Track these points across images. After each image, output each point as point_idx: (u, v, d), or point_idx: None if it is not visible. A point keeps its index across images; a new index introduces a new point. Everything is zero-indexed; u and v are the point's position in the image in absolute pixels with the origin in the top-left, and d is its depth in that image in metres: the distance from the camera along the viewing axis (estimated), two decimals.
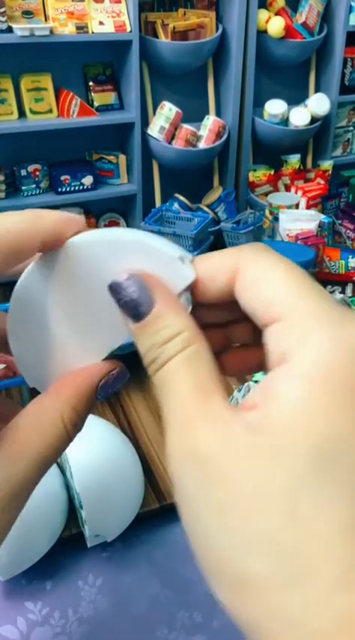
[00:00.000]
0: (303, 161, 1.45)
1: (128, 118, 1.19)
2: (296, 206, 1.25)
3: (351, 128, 1.51)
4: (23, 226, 0.22)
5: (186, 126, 1.22)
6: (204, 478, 0.18)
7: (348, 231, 1.26)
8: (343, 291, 0.96)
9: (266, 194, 1.35)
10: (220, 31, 1.21)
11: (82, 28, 1.09)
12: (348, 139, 1.52)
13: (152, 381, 0.22)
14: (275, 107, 1.30)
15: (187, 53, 1.18)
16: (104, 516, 0.58)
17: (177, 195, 1.29)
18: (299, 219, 1.15)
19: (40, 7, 1.08)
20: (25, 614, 0.55)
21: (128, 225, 1.35)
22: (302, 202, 1.28)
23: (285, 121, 1.33)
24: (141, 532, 0.64)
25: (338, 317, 0.19)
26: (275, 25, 1.23)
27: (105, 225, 1.33)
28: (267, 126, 1.32)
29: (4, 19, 1.02)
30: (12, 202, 1.16)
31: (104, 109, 1.21)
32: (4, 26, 1.02)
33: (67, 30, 1.07)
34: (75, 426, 0.24)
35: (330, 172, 1.43)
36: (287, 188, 1.39)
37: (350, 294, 0.96)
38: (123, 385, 0.32)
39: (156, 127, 1.21)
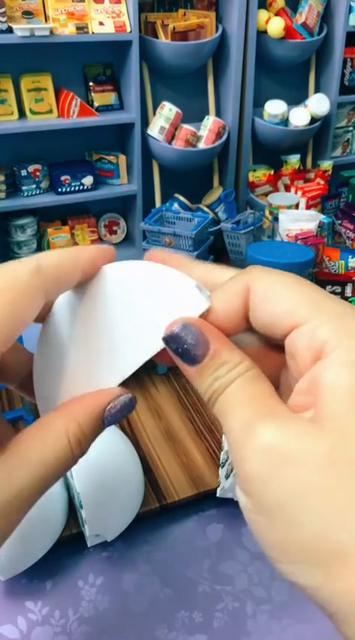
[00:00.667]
0: (303, 161, 1.45)
1: (128, 118, 1.19)
2: (296, 206, 1.25)
3: (351, 128, 1.51)
4: (69, 260, 0.24)
5: (186, 126, 1.22)
6: (282, 465, 0.19)
7: (348, 231, 1.26)
8: (343, 291, 0.96)
9: (266, 194, 1.35)
10: (220, 31, 1.22)
11: (82, 29, 1.09)
12: (348, 139, 1.52)
13: (209, 408, 0.23)
14: (275, 107, 1.30)
15: (187, 53, 1.19)
16: (104, 516, 0.59)
17: (177, 195, 1.29)
18: (299, 220, 1.15)
19: (40, 7, 1.08)
20: (26, 613, 0.56)
21: (128, 225, 1.35)
22: (302, 202, 1.28)
23: (285, 122, 1.33)
24: (141, 532, 0.64)
25: None
26: (275, 26, 1.23)
27: (105, 226, 1.33)
28: (267, 126, 1.32)
29: (4, 19, 1.02)
30: (12, 202, 1.16)
31: (104, 109, 1.22)
32: (4, 26, 1.02)
33: (67, 30, 1.08)
34: (79, 444, 0.24)
35: (330, 172, 1.43)
36: (287, 188, 1.39)
37: (349, 294, 0.97)
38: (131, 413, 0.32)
39: (156, 127, 1.21)
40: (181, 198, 1.28)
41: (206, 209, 1.31)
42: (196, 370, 0.23)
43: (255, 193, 1.38)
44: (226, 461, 0.69)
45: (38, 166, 1.18)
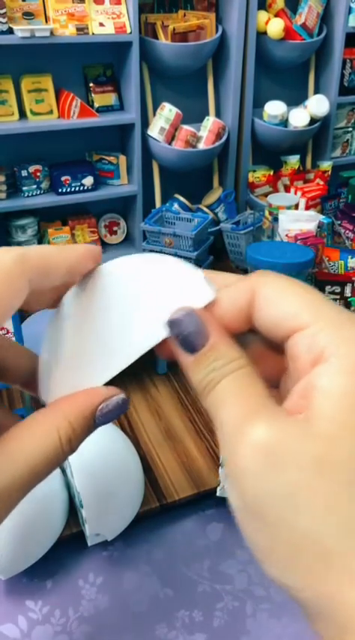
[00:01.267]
0: (303, 162, 1.45)
1: (128, 119, 1.19)
2: (296, 206, 1.25)
3: (350, 129, 1.51)
4: (55, 253, 0.25)
5: (186, 127, 1.22)
6: (273, 463, 0.20)
7: (347, 231, 1.26)
8: (342, 292, 0.96)
9: (265, 195, 1.35)
10: (220, 32, 1.22)
11: (82, 30, 1.09)
12: (347, 140, 1.52)
13: (200, 400, 0.24)
14: (274, 108, 1.30)
15: (187, 54, 1.19)
16: (104, 515, 0.59)
17: (177, 195, 1.29)
18: (298, 220, 1.15)
19: (41, 8, 1.08)
20: (26, 612, 0.56)
21: (128, 226, 1.35)
22: (302, 203, 1.28)
23: (285, 122, 1.33)
24: (141, 531, 0.64)
25: None
26: (275, 27, 1.23)
27: (106, 226, 1.33)
28: (267, 127, 1.32)
29: (4, 20, 1.02)
30: (13, 203, 1.17)
31: (104, 109, 1.22)
32: (4, 27, 1.02)
33: (68, 31, 1.08)
34: (69, 442, 0.24)
35: (330, 173, 1.43)
36: (287, 189, 1.39)
37: (349, 294, 0.97)
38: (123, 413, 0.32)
39: (156, 128, 1.21)
40: (181, 198, 1.28)
41: (206, 209, 1.31)
42: (194, 359, 0.23)
43: (254, 194, 1.38)
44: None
45: (39, 167, 1.18)
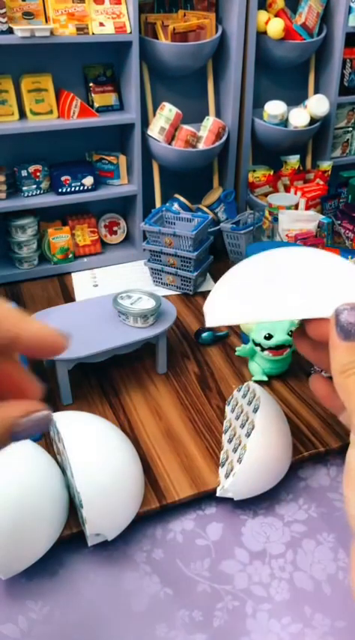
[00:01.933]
0: (303, 162, 1.45)
1: (128, 118, 1.19)
2: (296, 206, 1.25)
3: (350, 129, 1.52)
4: (10, 317, 0.26)
5: (185, 127, 1.22)
6: None
7: (347, 231, 1.26)
8: None
9: (265, 194, 1.35)
10: (220, 32, 1.22)
11: (82, 30, 1.09)
12: (347, 140, 1.52)
13: (334, 378, 0.30)
14: (274, 108, 1.30)
15: (187, 54, 1.19)
16: (104, 515, 0.59)
17: (177, 195, 1.29)
18: (298, 220, 1.15)
19: (41, 8, 1.08)
20: (26, 612, 0.56)
21: (128, 226, 1.35)
22: (302, 203, 1.28)
23: (285, 122, 1.33)
24: (141, 531, 0.64)
25: None
26: (275, 27, 1.23)
27: (105, 226, 1.33)
28: (267, 127, 1.32)
29: (4, 20, 1.02)
30: (13, 203, 1.17)
31: (104, 109, 1.22)
32: (4, 27, 1.02)
33: (68, 31, 1.08)
34: None
35: (329, 173, 1.43)
36: (287, 189, 1.39)
37: None
38: (45, 432, 0.33)
39: (156, 128, 1.21)
40: (181, 198, 1.28)
41: (206, 209, 1.31)
42: (347, 345, 0.28)
43: (254, 194, 1.38)
44: (226, 460, 0.69)
45: (38, 167, 1.18)
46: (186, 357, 0.94)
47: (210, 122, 1.25)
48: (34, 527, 0.57)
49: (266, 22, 1.24)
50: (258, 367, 0.86)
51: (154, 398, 0.83)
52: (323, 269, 0.33)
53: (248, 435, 0.65)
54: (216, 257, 1.23)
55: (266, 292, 0.33)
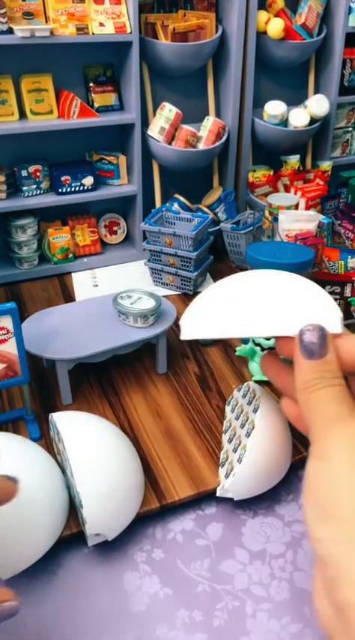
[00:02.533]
0: (303, 162, 1.45)
1: (128, 118, 1.19)
2: (296, 206, 1.25)
3: (350, 129, 1.52)
4: None
5: (185, 127, 1.22)
6: (328, 464, 0.29)
7: (347, 231, 1.26)
8: (342, 292, 0.96)
9: (265, 195, 1.35)
10: (220, 32, 1.22)
11: (82, 30, 1.09)
12: (347, 140, 1.52)
13: (297, 395, 0.33)
14: (274, 108, 1.30)
15: (187, 54, 1.19)
16: (104, 515, 0.59)
17: (177, 195, 1.29)
18: (298, 220, 1.15)
19: (41, 8, 1.08)
20: (26, 612, 0.56)
21: (128, 226, 1.35)
22: (302, 203, 1.28)
23: (285, 122, 1.33)
24: (141, 531, 0.64)
25: None
26: (275, 27, 1.23)
27: (105, 226, 1.33)
28: (267, 127, 1.32)
29: (4, 20, 1.02)
30: (13, 203, 1.17)
31: (104, 109, 1.22)
32: (4, 27, 1.02)
33: (68, 31, 1.08)
34: None
35: (329, 173, 1.43)
36: (287, 189, 1.39)
37: (349, 294, 0.97)
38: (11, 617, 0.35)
39: (156, 128, 1.21)
40: (181, 198, 1.28)
41: (206, 209, 1.31)
42: (310, 363, 0.31)
43: (254, 194, 1.38)
44: (226, 460, 0.69)
45: (38, 167, 1.18)
46: (186, 357, 0.94)
47: (210, 122, 1.25)
48: (34, 527, 0.57)
49: (266, 22, 1.24)
50: (258, 367, 0.86)
51: (154, 398, 0.83)
52: (293, 291, 0.36)
53: (248, 435, 0.65)
54: (216, 257, 1.23)
55: (238, 311, 0.36)
